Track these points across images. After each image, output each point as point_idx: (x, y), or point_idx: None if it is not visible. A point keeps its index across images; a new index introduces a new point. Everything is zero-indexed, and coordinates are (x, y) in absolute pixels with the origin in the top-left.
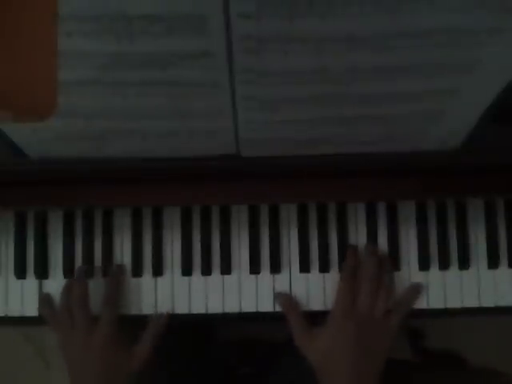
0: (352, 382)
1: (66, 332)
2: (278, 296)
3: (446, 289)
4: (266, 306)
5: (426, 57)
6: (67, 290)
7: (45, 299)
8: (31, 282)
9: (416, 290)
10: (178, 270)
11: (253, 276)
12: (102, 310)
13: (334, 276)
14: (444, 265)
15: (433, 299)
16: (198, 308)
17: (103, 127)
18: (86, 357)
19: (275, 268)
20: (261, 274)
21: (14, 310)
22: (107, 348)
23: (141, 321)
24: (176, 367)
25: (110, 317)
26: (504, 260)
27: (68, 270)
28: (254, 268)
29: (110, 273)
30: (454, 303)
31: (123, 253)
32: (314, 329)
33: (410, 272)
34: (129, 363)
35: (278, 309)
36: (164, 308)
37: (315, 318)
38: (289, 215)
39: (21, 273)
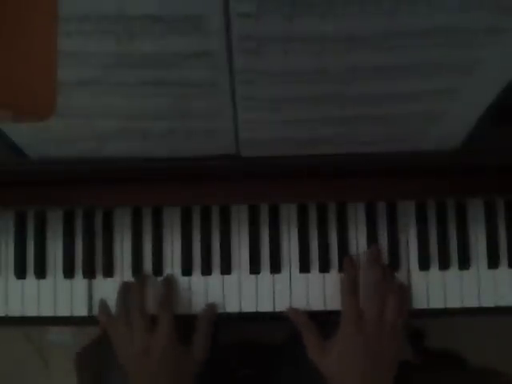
0: None
1: (124, 336)
2: (290, 311)
3: (446, 289)
4: (266, 306)
5: (425, 57)
6: (123, 293)
7: (103, 305)
8: (31, 281)
9: (403, 289)
10: (178, 270)
11: (253, 276)
12: (160, 312)
13: (334, 276)
14: (444, 265)
15: (433, 299)
16: (198, 308)
17: (103, 127)
18: (150, 360)
19: (275, 268)
20: (261, 273)
21: (14, 310)
22: (169, 349)
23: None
24: None
25: (168, 318)
26: (504, 260)
27: (68, 270)
28: (254, 268)
29: (164, 276)
30: (453, 303)
31: (123, 253)
32: (327, 342)
33: (409, 272)
34: (191, 362)
35: (278, 309)
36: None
37: (316, 318)
38: (289, 215)
39: (21, 273)
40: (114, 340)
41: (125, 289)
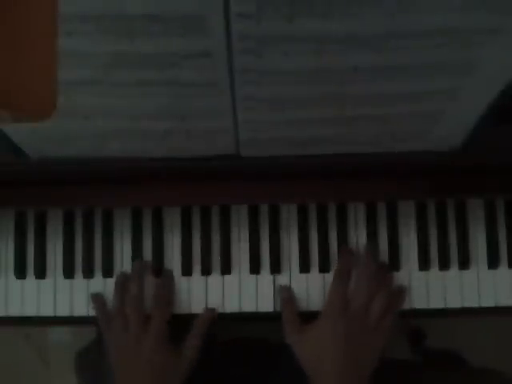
0: (340, 382)
1: (117, 334)
2: (281, 289)
3: (446, 289)
4: (266, 305)
5: (425, 57)
6: (121, 289)
7: (97, 299)
8: (31, 281)
9: (402, 290)
10: (177, 269)
11: (253, 276)
12: (154, 311)
13: None
14: (444, 265)
15: (433, 299)
16: (198, 308)
17: (103, 127)
18: (138, 359)
19: (275, 268)
20: (261, 273)
21: (14, 310)
22: (159, 350)
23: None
24: None
25: (161, 318)
26: (504, 260)
27: (68, 270)
28: (254, 268)
29: (163, 274)
30: (453, 303)
31: (123, 253)
32: (306, 325)
33: (409, 272)
34: (179, 364)
35: (278, 309)
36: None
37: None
38: (289, 215)
39: (21, 273)
40: (106, 335)
41: (123, 280)
